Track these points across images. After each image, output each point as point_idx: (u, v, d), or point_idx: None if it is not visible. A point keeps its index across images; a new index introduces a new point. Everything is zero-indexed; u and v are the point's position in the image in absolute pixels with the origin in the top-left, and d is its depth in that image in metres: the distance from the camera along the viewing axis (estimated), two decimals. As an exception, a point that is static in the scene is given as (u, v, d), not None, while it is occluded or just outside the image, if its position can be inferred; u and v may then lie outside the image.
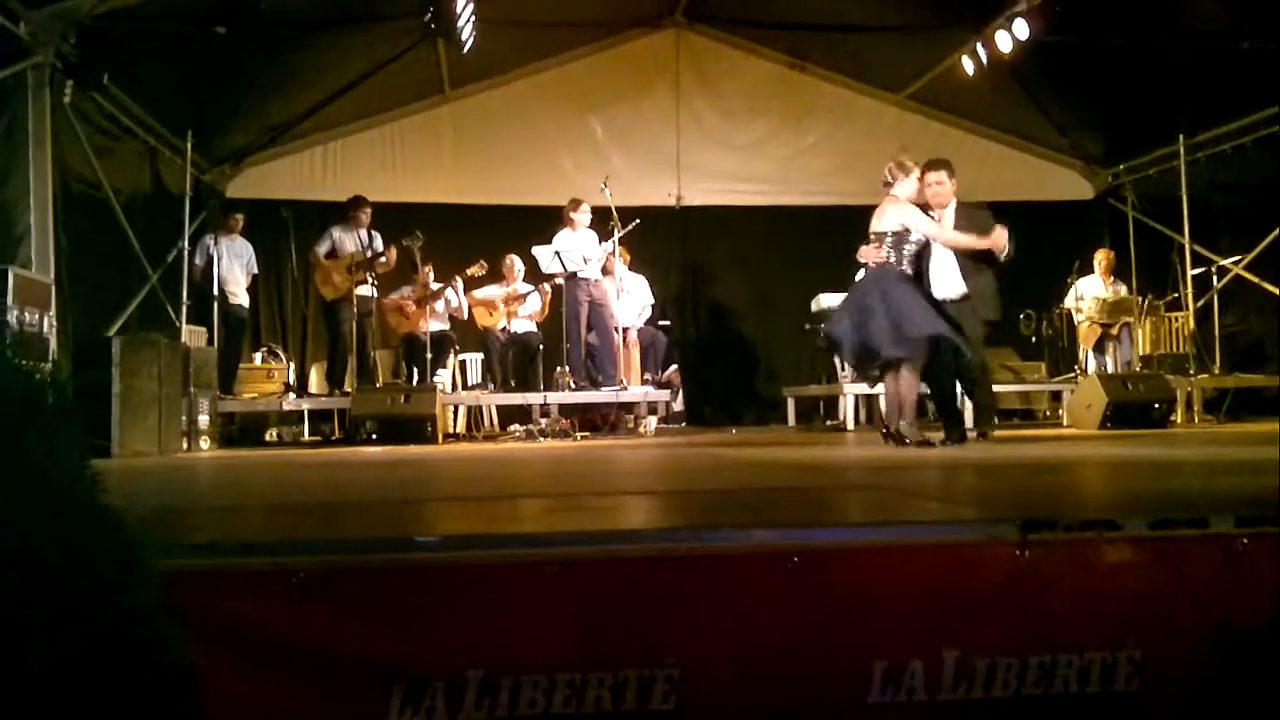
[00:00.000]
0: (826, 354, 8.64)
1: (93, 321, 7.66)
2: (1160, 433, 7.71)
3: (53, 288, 6.68)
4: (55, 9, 6.91)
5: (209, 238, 9.31)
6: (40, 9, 6.84)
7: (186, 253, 8.71)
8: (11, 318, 5.80)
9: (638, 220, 9.50)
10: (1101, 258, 10.29)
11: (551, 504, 3.38)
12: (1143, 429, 7.89)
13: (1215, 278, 9.85)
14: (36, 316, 6.18)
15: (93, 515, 1.17)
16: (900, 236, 6.04)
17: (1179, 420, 8.89)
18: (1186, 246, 9.76)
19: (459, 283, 9.82)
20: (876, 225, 6.12)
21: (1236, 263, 9.71)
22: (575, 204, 9.48)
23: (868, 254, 6.12)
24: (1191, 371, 9.36)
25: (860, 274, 6.37)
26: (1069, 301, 10.25)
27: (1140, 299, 9.85)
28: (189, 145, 8.79)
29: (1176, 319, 10.15)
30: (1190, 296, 9.80)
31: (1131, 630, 2.04)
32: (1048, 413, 10.86)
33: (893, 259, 6.02)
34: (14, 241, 6.78)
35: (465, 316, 10.10)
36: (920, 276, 6.13)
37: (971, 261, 6.12)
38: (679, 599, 1.98)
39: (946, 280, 6.16)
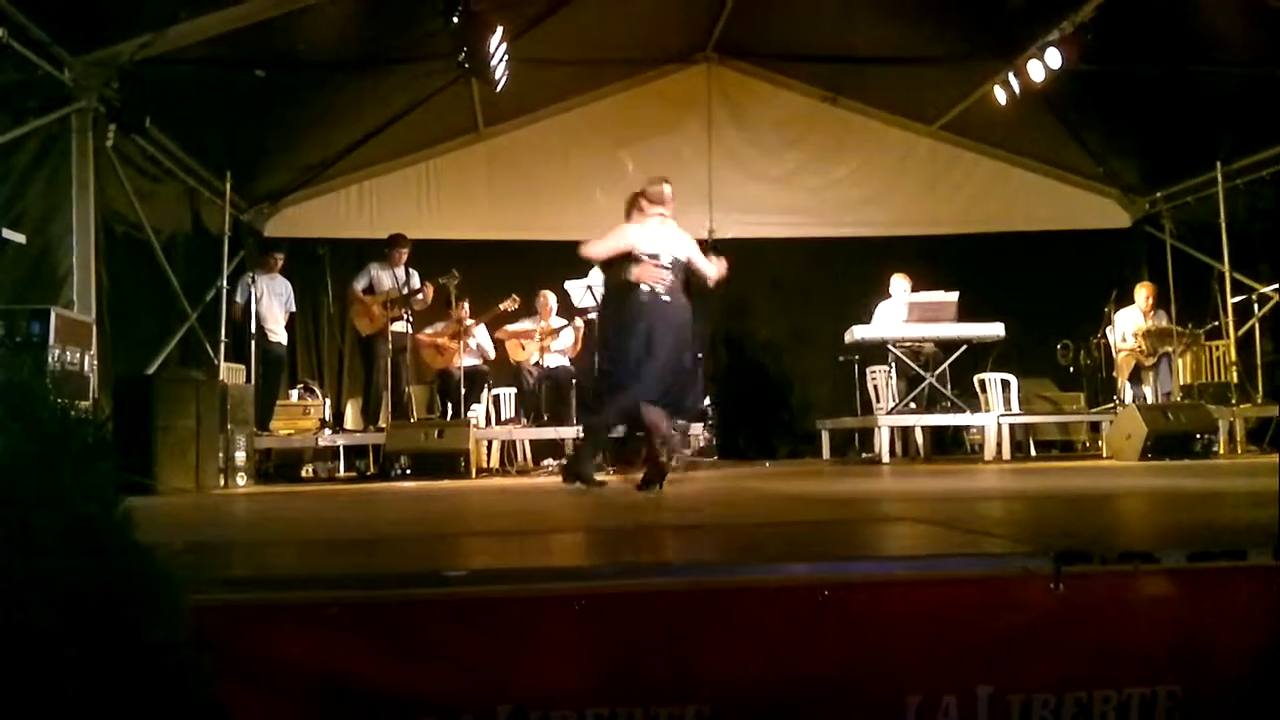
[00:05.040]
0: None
1: (133, 360, 7.78)
2: (1201, 464, 7.58)
3: (94, 327, 6.79)
4: (98, 55, 7.07)
5: (249, 276, 9.45)
6: (83, 55, 7.01)
7: (225, 291, 8.83)
8: (53, 357, 5.89)
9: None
10: (1145, 293, 9.99)
11: (582, 538, 3.38)
12: (1184, 459, 7.77)
13: (1256, 305, 9.70)
14: (78, 355, 6.28)
15: (124, 550, 1.18)
16: (680, 266, 5.67)
17: (1222, 451, 8.75)
18: (1226, 274, 9.63)
19: (481, 326, 9.95)
20: (673, 251, 5.64)
21: (1278, 290, 9.57)
22: None
23: (656, 277, 5.53)
24: (1234, 401, 9.20)
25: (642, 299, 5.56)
26: (1110, 335, 10.10)
27: (1180, 329, 9.70)
28: (228, 186, 8.91)
29: (1217, 348, 10.00)
30: (1231, 325, 9.65)
31: (1170, 665, 2.00)
32: (1086, 443, 10.72)
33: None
34: (58, 282, 6.92)
35: (492, 356, 10.19)
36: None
37: None
38: (710, 633, 1.96)
39: None
